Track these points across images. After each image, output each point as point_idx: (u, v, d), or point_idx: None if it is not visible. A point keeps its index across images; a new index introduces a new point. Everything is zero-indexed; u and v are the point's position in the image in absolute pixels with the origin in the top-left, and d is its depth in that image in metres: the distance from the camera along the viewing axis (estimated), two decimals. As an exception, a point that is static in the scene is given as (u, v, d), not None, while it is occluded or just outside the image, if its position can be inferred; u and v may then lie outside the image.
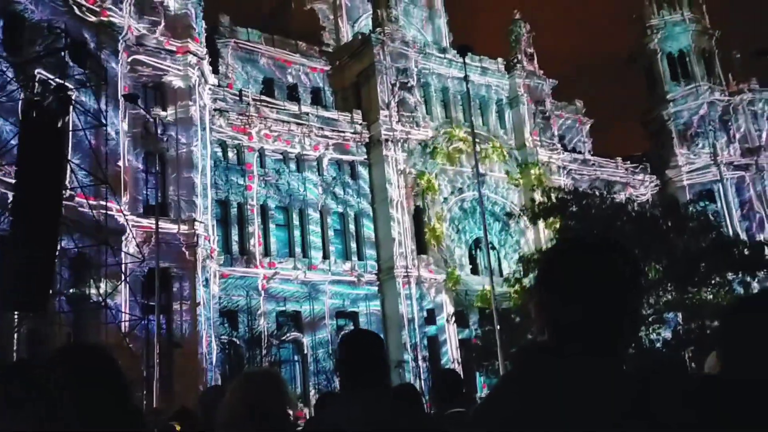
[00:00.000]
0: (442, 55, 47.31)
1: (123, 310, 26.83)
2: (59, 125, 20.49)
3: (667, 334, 30.42)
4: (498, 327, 25.90)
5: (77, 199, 25.23)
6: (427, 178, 42.87)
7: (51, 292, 20.73)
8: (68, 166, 24.14)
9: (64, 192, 21.79)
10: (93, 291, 26.13)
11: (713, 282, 29.60)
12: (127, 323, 26.61)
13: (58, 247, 20.63)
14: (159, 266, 25.33)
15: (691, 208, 32.91)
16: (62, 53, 25.40)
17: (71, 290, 25.74)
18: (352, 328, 39.54)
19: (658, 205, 34.07)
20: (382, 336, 28.70)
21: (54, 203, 19.15)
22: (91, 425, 2.35)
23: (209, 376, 29.77)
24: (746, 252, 30.48)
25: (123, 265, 26.89)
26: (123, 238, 27.99)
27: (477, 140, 35.57)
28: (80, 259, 25.91)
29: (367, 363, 3.36)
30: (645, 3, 59.28)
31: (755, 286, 32.43)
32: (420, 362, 37.92)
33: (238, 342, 35.27)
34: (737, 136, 55.64)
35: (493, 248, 42.01)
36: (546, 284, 1.93)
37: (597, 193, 32.87)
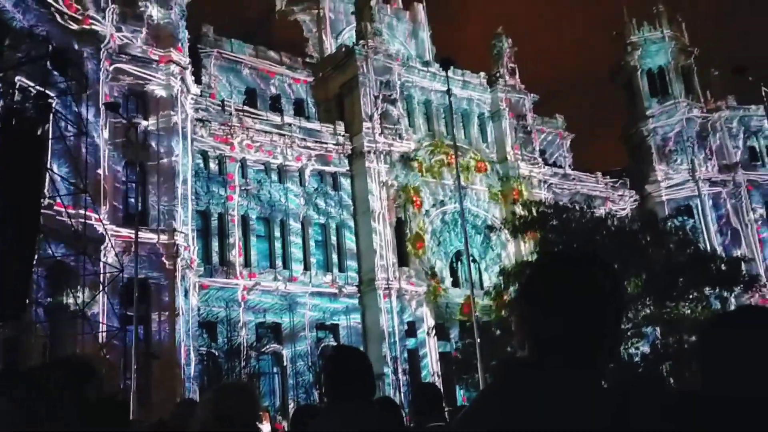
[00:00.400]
0: (425, 69, 47.58)
1: (101, 320, 26.54)
2: (39, 133, 20.32)
3: (646, 348, 30.63)
4: (478, 340, 25.91)
5: (56, 207, 24.97)
6: (409, 191, 42.96)
7: (27, 301, 20.46)
8: (48, 175, 23.92)
9: (43, 200, 21.57)
10: (71, 300, 25.83)
11: (691, 297, 29.87)
12: (104, 333, 26.32)
13: (36, 256, 20.39)
14: (138, 276, 25.12)
15: (669, 223, 33.24)
16: (44, 61, 25.21)
17: (48, 299, 25.43)
18: (332, 340, 39.39)
19: (637, 220, 34.33)
20: (362, 348, 28.49)
21: (32, 212, 18.94)
22: (89, 423, 2.35)
23: (187, 387, 29.48)
24: (723, 267, 30.82)
25: (101, 275, 26.63)
26: (102, 247, 27.74)
27: (459, 153, 35.73)
28: (58, 268, 25.61)
29: (352, 377, 3.37)
30: (625, 20, 60.05)
31: (732, 302, 32.82)
32: (400, 375, 37.81)
33: (217, 353, 34.95)
34: (715, 152, 56.37)
35: (474, 261, 42.13)
36: (527, 297, 1.93)
37: (577, 207, 33.12)
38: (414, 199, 43.08)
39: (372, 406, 3.53)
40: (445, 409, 6.31)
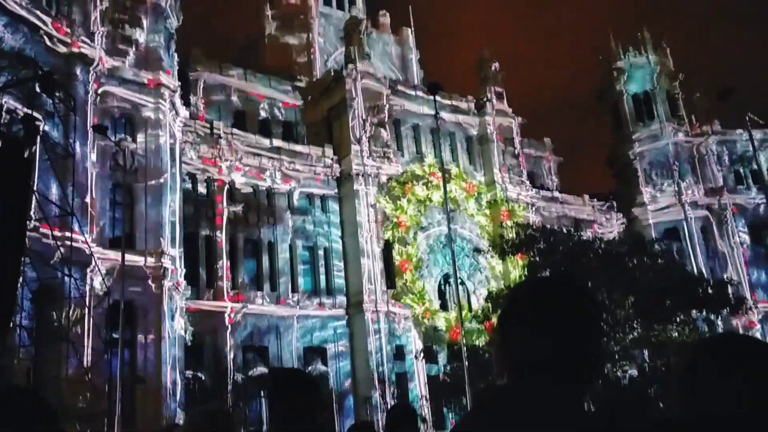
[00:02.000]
0: (413, 93, 47.88)
1: (85, 344, 26.26)
2: (26, 155, 20.23)
3: (634, 371, 30.59)
4: (467, 363, 25.82)
5: (42, 229, 24.82)
6: (397, 213, 43.03)
7: (11, 324, 20.25)
8: (34, 197, 23.79)
9: (29, 222, 21.44)
10: (55, 323, 25.56)
11: (678, 319, 29.93)
12: (89, 357, 26.03)
13: (21, 278, 20.22)
14: (124, 299, 24.93)
15: (656, 246, 33.41)
16: (32, 83, 25.19)
17: (33, 322, 25.15)
18: (320, 363, 39.17)
19: (624, 243, 34.48)
20: (349, 370, 28.21)
21: (18, 234, 18.82)
22: None
23: (172, 412, 29.15)
24: (710, 290, 30.95)
25: (87, 298, 26.40)
26: (88, 270, 27.54)
27: (447, 176, 35.87)
28: (43, 290, 25.37)
29: (291, 402, 3.21)
30: (611, 45, 60.77)
31: (720, 324, 32.92)
32: (388, 398, 37.57)
33: (203, 377, 34.64)
34: (700, 176, 56.86)
35: (463, 283, 42.11)
36: (515, 319, 1.97)
37: (564, 230, 33.25)
38: (402, 221, 43.14)
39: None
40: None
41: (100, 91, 31.81)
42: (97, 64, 31.35)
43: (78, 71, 30.25)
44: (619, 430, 1.81)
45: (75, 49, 30.22)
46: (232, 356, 35.80)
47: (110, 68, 32.57)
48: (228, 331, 36.54)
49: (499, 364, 2.00)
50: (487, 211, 47.30)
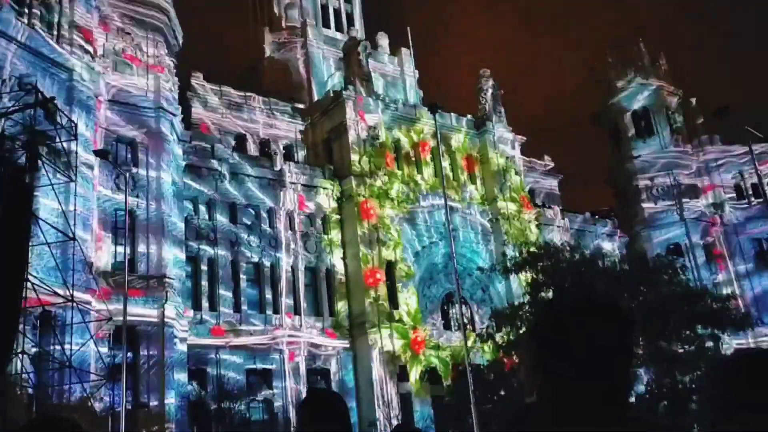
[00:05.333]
0: (412, 113, 47.98)
1: (88, 370, 26.09)
2: (27, 181, 20.25)
3: (641, 388, 30.36)
4: (472, 385, 25.63)
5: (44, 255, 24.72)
6: (399, 234, 42.95)
7: (13, 351, 20.13)
8: (36, 222, 23.75)
9: (31, 248, 21.37)
10: (57, 350, 25.40)
11: (683, 336, 29.74)
12: (92, 383, 25.84)
13: (23, 305, 20.13)
14: (126, 324, 24.82)
15: (658, 262, 33.30)
16: (33, 108, 25.25)
17: (35, 349, 25.00)
18: (323, 385, 38.83)
19: (626, 260, 34.38)
20: (354, 393, 28.01)
21: (19, 260, 18.76)
22: None
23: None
24: (714, 305, 30.79)
25: (89, 323, 26.27)
26: (91, 295, 27.43)
27: (448, 196, 35.87)
28: (45, 317, 25.26)
29: (327, 421, 3.33)
30: (611, 63, 61.04)
31: (726, 339, 32.69)
32: (393, 420, 37.23)
33: (206, 401, 34.36)
34: (701, 191, 56.88)
35: (465, 303, 41.92)
36: (549, 342, 1.94)
37: (567, 247, 33.15)
38: (403, 242, 43.05)
39: None
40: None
41: (102, 115, 31.91)
42: (99, 89, 31.48)
43: (79, 96, 30.32)
44: None
45: (76, 75, 30.32)
46: (234, 380, 35.52)
47: (112, 92, 32.69)
48: (231, 355, 36.31)
49: (530, 384, 1.97)
50: (489, 230, 47.19)
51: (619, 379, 1.88)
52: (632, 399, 28.61)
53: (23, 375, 23.04)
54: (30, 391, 23.97)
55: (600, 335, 1.89)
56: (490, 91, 52.01)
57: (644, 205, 56.37)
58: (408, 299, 41.73)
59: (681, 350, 29.38)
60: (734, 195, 57.15)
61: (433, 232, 44.74)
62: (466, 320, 39.94)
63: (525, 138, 53.84)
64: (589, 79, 61.81)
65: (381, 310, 40.19)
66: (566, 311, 2.01)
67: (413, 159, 47.08)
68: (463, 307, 35.78)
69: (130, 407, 26.57)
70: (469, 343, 29.44)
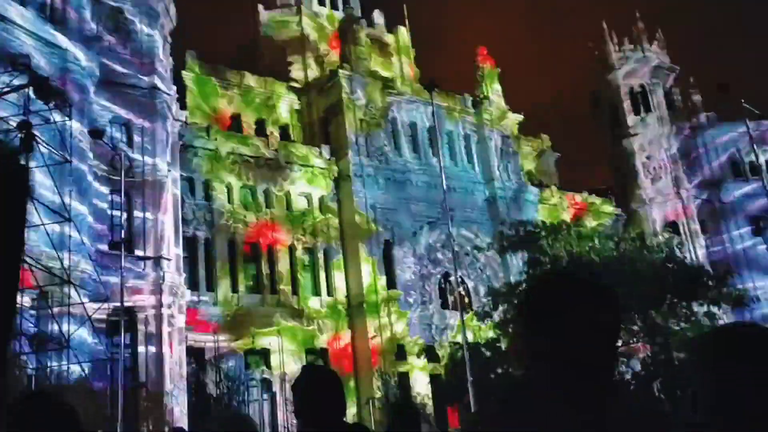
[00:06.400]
0: (409, 91, 47.74)
1: (86, 351, 26.15)
2: (22, 162, 20.12)
3: (636, 365, 30.55)
4: (468, 362, 25.76)
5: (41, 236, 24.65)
6: (396, 212, 42.93)
7: (11, 332, 20.14)
8: (32, 203, 23.66)
9: (27, 229, 21.30)
10: (56, 330, 25.43)
11: (679, 313, 29.88)
12: (90, 364, 25.92)
13: (20, 287, 20.12)
14: (124, 305, 24.85)
15: (655, 240, 33.38)
16: (27, 89, 25.05)
17: (33, 330, 25.04)
18: (322, 364, 39.04)
19: (624, 238, 34.42)
20: (352, 371, 28.13)
21: (16, 241, 18.73)
22: None
23: (176, 416, 29.05)
24: (710, 283, 30.90)
25: (87, 304, 26.26)
26: (88, 275, 27.42)
27: (445, 174, 35.77)
28: (43, 297, 25.26)
29: (322, 397, 3.39)
30: (608, 40, 60.66)
31: (724, 318, 32.84)
32: (390, 398, 37.47)
33: (205, 381, 34.53)
34: (698, 169, 56.87)
35: (463, 282, 42.04)
36: (533, 316, 1.93)
37: (564, 226, 33.18)
38: (401, 220, 43.05)
39: (343, 427, 3.54)
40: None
41: (95, 95, 31.69)
42: (93, 68, 31.24)
43: (73, 76, 30.10)
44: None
45: (70, 55, 30.08)
46: (233, 359, 35.70)
47: (105, 72, 32.45)
48: (229, 334, 36.44)
49: (520, 356, 1.97)
50: (486, 208, 47.19)
51: (604, 356, 1.86)
52: (628, 376, 28.89)
53: (22, 356, 23.11)
54: (29, 372, 24.03)
55: (585, 312, 1.86)
56: (488, 69, 51.77)
57: (641, 182, 56.38)
58: (405, 277, 41.84)
59: (677, 328, 29.53)
60: (731, 172, 57.14)
61: (431, 210, 44.70)
62: (464, 298, 40.05)
63: (522, 116, 53.68)
64: (590, 57, 61.41)
65: (379, 289, 40.34)
66: (550, 288, 1.99)
67: (410, 137, 46.88)
68: (460, 286, 35.88)
69: (128, 387, 26.67)
70: (466, 322, 29.52)
